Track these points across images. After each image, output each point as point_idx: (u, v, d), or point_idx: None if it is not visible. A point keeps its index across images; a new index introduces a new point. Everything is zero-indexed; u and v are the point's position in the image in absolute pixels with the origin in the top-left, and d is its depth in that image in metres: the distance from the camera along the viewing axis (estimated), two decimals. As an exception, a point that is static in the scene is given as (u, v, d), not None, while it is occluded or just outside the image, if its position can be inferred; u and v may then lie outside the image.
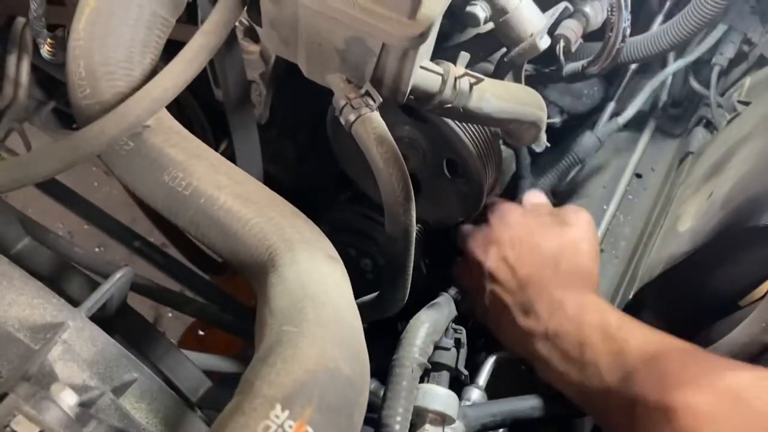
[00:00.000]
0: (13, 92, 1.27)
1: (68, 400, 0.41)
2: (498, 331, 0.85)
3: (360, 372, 0.45)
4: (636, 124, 1.14)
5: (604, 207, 1.04)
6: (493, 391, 0.80)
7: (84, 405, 0.46)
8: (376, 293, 0.73)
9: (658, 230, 0.93)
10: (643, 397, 0.63)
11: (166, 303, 0.99)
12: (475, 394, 0.78)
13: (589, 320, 0.74)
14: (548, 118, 1.12)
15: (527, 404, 0.76)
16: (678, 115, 1.15)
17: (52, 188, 1.31)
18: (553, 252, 0.83)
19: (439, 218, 0.98)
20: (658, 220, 0.96)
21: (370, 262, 1.04)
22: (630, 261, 0.98)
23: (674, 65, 1.05)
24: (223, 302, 1.11)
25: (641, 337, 0.69)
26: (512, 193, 1.15)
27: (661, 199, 1.03)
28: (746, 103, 0.98)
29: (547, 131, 1.15)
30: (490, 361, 0.83)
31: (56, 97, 1.43)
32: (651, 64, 1.22)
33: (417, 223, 0.96)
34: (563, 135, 1.24)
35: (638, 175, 1.09)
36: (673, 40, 0.90)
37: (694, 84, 1.08)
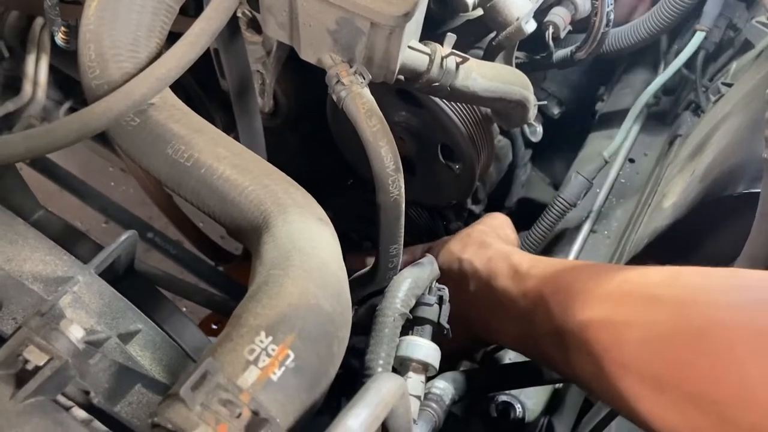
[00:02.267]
0: (32, 91, 1.33)
1: (76, 333, 0.46)
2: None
3: (340, 311, 0.49)
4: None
5: (597, 190, 1.08)
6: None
7: (91, 344, 0.50)
8: (368, 267, 0.77)
9: (646, 209, 0.97)
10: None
11: (179, 293, 1.03)
12: (467, 365, 0.82)
13: (497, 272, 0.78)
14: (547, 110, 1.17)
15: (515, 370, 0.79)
16: (672, 102, 1.18)
17: (70, 183, 1.36)
18: (462, 234, 0.91)
19: (433, 200, 1.02)
20: (647, 201, 1.00)
21: (371, 246, 1.08)
22: (621, 240, 1.02)
23: (652, 85, 1.06)
24: (234, 291, 1.16)
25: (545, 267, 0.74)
26: (509, 180, 1.19)
27: (651, 181, 1.06)
28: (729, 85, 1.01)
29: (546, 122, 1.19)
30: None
31: (73, 96, 1.49)
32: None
33: (412, 205, 1.00)
34: (563, 126, 1.28)
35: (631, 160, 1.12)
36: (652, 30, 0.94)
37: (683, 69, 1.11)
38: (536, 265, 0.75)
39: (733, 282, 0.59)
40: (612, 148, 1.02)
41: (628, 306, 0.61)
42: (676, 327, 0.56)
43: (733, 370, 0.52)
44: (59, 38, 0.79)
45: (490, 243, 0.85)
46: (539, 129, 1.16)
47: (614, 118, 1.19)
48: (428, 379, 0.69)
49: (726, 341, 0.53)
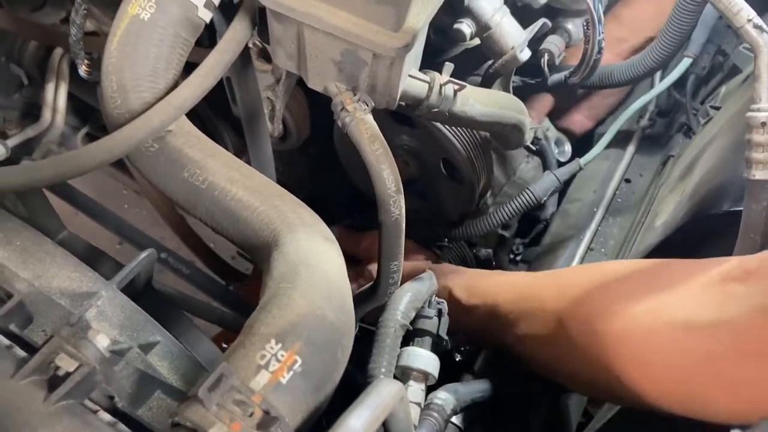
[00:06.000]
0: (51, 118, 1.38)
1: (102, 342, 0.50)
2: None
3: (344, 320, 0.54)
4: (626, 135, 1.22)
5: (594, 209, 1.12)
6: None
7: (115, 353, 0.54)
8: (371, 283, 0.81)
9: (640, 227, 1.00)
10: None
11: (191, 311, 1.07)
12: (468, 378, 0.86)
13: None
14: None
15: (514, 380, 0.83)
16: (666, 124, 1.23)
17: (86, 206, 1.41)
18: None
19: (440, 216, 1.06)
20: (642, 219, 1.03)
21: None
22: (617, 257, 1.05)
23: (635, 104, 1.11)
24: (244, 310, 1.20)
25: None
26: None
27: (645, 200, 1.10)
28: (717, 108, 1.06)
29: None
30: (484, 351, 0.91)
31: (90, 122, 1.54)
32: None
33: (419, 222, 1.04)
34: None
35: (627, 180, 1.16)
36: (651, 64, 1.00)
37: (674, 94, 1.16)
38: (472, 296, 0.87)
39: None
40: (588, 157, 1.07)
41: None
42: None
43: None
44: (83, 70, 0.84)
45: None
46: (567, 148, 1.18)
47: (614, 140, 1.23)
48: (429, 388, 0.73)
49: None
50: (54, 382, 0.49)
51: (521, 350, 0.81)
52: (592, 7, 0.86)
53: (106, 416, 0.51)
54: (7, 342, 0.53)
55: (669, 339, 0.61)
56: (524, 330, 0.78)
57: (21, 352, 0.52)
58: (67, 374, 0.48)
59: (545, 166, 1.15)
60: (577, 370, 0.72)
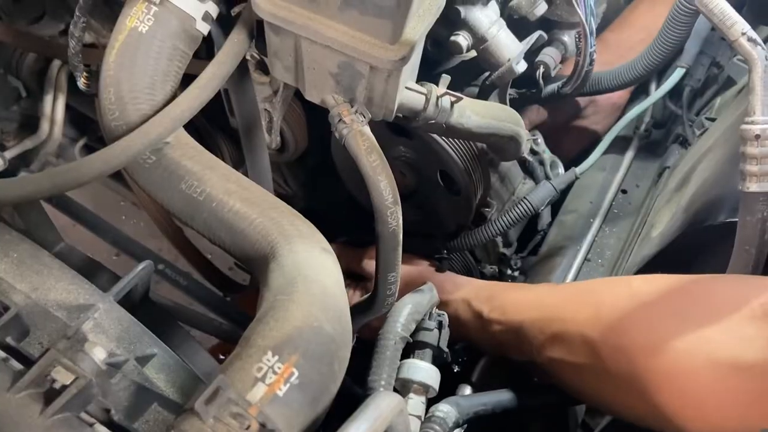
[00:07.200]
0: (48, 129, 1.39)
1: (99, 355, 0.50)
2: None
3: (341, 332, 0.54)
4: (623, 145, 1.23)
5: (591, 220, 1.12)
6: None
7: (112, 365, 0.54)
8: (368, 295, 0.81)
9: (636, 238, 1.01)
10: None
11: (188, 322, 1.07)
12: (468, 389, 0.86)
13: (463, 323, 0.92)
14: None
15: (516, 394, 0.83)
16: (662, 135, 1.23)
17: (83, 217, 1.41)
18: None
19: (437, 228, 1.06)
20: (638, 230, 1.04)
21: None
22: (613, 268, 1.06)
23: (630, 114, 1.11)
24: (241, 321, 1.19)
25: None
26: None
27: (642, 211, 1.10)
28: (712, 120, 1.06)
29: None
30: (482, 361, 0.91)
31: (88, 134, 1.54)
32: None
33: (416, 233, 1.04)
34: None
35: (624, 191, 1.17)
36: (643, 70, 1.00)
37: (669, 105, 1.17)
38: (493, 309, 0.87)
39: None
40: (584, 166, 1.07)
41: None
42: None
43: None
44: (81, 83, 0.84)
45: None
46: (561, 171, 1.18)
47: (610, 150, 1.24)
48: (429, 401, 0.73)
49: None
50: (50, 395, 0.49)
51: (553, 373, 0.81)
52: (584, 20, 0.86)
53: (103, 429, 0.51)
54: (3, 355, 0.53)
55: (717, 378, 0.60)
56: (556, 354, 0.76)
57: (17, 365, 0.52)
58: (64, 387, 0.48)
59: (534, 175, 1.15)
60: (619, 401, 0.71)
